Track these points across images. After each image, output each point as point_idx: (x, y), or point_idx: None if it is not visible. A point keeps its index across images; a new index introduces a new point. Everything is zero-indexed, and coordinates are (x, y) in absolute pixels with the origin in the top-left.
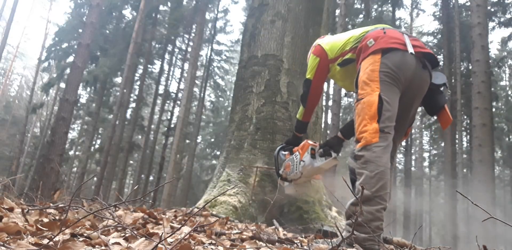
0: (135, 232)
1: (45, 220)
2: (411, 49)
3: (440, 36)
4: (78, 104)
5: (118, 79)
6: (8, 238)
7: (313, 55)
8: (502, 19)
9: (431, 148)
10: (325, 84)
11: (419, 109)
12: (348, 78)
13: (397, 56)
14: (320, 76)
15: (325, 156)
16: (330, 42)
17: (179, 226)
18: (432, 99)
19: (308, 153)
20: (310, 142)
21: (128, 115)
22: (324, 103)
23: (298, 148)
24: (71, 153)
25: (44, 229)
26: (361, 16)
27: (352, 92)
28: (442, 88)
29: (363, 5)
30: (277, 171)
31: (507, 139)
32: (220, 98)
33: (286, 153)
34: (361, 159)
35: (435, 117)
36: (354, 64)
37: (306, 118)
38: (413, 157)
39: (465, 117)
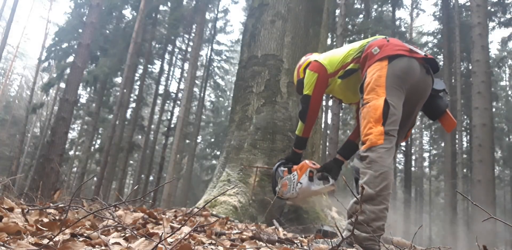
0: (135, 232)
1: (45, 220)
2: (422, 52)
3: (440, 36)
4: (78, 104)
5: (118, 79)
6: (8, 238)
7: (309, 71)
8: (502, 19)
9: (431, 148)
10: None
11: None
12: (350, 89)
13: (403, 62)
14: (319, 92)
15: (323, 180)
16: (328, 57)
17: (179, 226)
18: (433, 104)
19: (306, 175)
20: (309, 163)
21: (128, 115)
22: (324, 103)
23: (297, 167)
24: (71, 153)
25: (44, 229)
26: (361, 16)
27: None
28: (441, 94)
29: (363, 5)
30: (274, 187)
31: (507, 139)
32: (220, 98)
33: (285, 169)
34: (366, 159)
35: None
36: (357, 74)
37: (306, 134)
38: (413, 157)
39: (465, 117)
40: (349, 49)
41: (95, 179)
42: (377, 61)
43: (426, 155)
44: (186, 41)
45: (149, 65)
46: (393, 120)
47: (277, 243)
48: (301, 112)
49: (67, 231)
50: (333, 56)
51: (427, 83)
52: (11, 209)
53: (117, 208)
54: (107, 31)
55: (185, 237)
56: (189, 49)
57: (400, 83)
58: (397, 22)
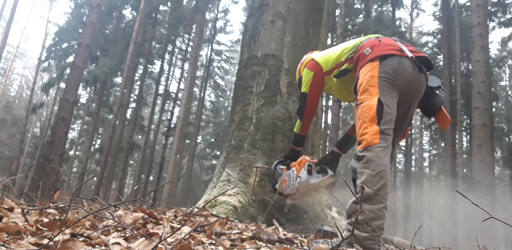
0: (135, 232)
1: (45, 220)
2: (410, 53)
3: (440, 36)
4: (78, 104)
5: (118, 79)
6: (8, 238)
7: (307, 69)
8: (502, 19)
9: (431, 148)
10: None
11: (418, 110)
12: (346, 89)
13: (394, 62)
14: (315, 89)
15: (322, 173)
16: (324, 55)
17: (179, 226)
18: (428, 101)
19: (304, 169)
20: (307, 157)
21: (128, 115)
22: (324, 103)
23: (295, 163)
24: (71, 153)
25: (44, 229)
26: (361, 16)
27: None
28: (437, 91)
29: (363, 5)
30: (273, 185)
31: (507, 139)
32: (220, 98)
33: (283, 167)
34: (363, 158)
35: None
36: (351, 75)
37: (304, 131)
38: (413, 157)
39: (465, 117)
40: (343, 48)
41: (95, 179)
42: (368, 62)
43: (426, 155)
44: (186, 41)
45: (149, 65)
46: (388, 119)
47: (277, 243)
48: (298, 110)
49: (67, 231)
50: (329, 55)
51: (420, 81)
52: (11, 209)
53: (117, 208)
54: (107, 31)
55: (185, 237)
56: (189, 49)
57: (392, 83)
58: (397, 22)
